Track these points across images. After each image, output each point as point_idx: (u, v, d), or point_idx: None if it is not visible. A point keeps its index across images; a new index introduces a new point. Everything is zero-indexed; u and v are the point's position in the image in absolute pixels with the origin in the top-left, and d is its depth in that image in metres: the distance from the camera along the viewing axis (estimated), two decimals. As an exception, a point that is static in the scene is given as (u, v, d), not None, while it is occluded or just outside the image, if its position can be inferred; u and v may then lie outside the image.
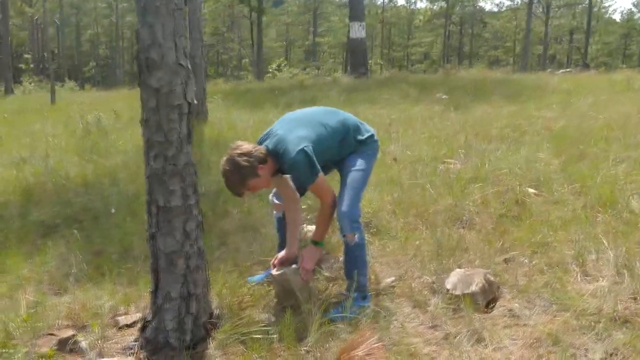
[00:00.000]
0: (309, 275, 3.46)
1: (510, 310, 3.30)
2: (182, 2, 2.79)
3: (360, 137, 3.45)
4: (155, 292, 2.98)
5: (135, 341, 3.05)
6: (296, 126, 3.29)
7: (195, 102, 2.91)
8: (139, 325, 3.14)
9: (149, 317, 3.00)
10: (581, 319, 3.10)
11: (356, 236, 3.28)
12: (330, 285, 3.68)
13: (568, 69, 28.58)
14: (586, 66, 29.85)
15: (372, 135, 3.52)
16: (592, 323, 3.04)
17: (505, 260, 3.89)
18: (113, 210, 5.08)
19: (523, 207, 4.80)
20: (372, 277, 3.74)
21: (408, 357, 2.87)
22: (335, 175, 3.62)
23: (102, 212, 5.25)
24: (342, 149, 3.42)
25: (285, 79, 25.56)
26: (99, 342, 3.07)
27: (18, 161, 7.41)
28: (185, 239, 2.91)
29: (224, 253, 4.40)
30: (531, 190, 5.24)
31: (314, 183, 3.23)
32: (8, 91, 27.85)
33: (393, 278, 3.75)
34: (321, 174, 3.24)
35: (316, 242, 3.45)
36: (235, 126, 9.84)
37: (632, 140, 6.99)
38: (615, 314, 3.07)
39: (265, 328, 3.02)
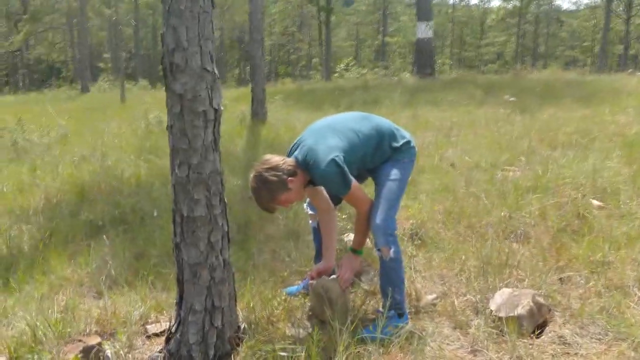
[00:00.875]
0: (347, 284, 3.32)
1: (561, 337, 3.02)
2: (209, 4, 2.68)
3: (395, 144, 3.24)
4: (179, 304, 2.89)
5: (160, 352, 2.97)
6: (326, 134, 3.12)
7: (222, 108, 2.80)
8: (165, 335, 3.06)
9: (173, 329, 2.91)
10: (639, 351, 2.81)
11: (391, 251, 3.09)
12: (368, 300, 3.50)
13: (650, 70, 27.04)
14: (670, 67, 28.15)
15: (408, 142, 3.30)
16: (652, 357, 2.74)
17: (560, 280, 3.59)
18: (156, 213, 5.06)
19: (584, 221, 4.45)
20: (413, 293, 3.53)
21: (442, 384, 2.66)
22: (370, 184, 3.43)
23: (149, 213, 5.25)
24: (376, 156, 3.23)
25: (352, 79, 25.38)
26: (124, 351, 3.00)
27: (78, 159, 7.56)
28: (210, 250, 2.80)
29: (263, 260, 4.28)
30: (595, 202, 4.87)
31: (347, 194, 3.08)
32: (84, 89, 28.94)
33: (435, 295, 3.53)
34: (355, 182, 3.07)
35: (355, 250, 3.33)
36: (294, 127, 9.75)
37: None
38: (679, 348, 2.76)
39: (291, 346, 2.87)
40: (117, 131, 9.91)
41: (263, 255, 4.46)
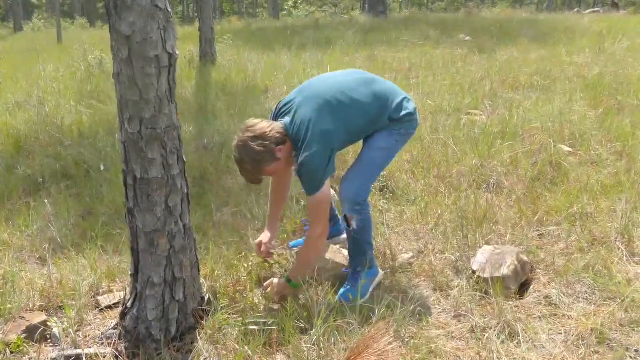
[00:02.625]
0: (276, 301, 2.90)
1: (547, 297, 2.86)
2: None
3: (395, 116, 2.85)
4: (134, 276, 2.56)
5: (115, 328, 2.65)
6: (323, 109, 2.71)
7: (178, 52, 2.41)
8: (120, 308, 2.74)
9: (129, 304, 2.59)
10: (630, 312, 2.66)
11: (354, 221, 2.82)
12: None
13: (596, 9, 27.21)
14: (615, 6, 28.38)
15: (410, 114, 2.89)
16: (644, 317, 2.60)
17: (540, 235, 3.42)
18: (103, 167, 4.63)
19: (558, 169, 4.29)
20: (388, 251, 3.30)
21: (428, 355, 2.45)
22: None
23: (95, 166, 4.81)
24: (370, 128, 2.87)
25: (301, 18, 24.64)
26: (74, 329, 2.67)
27: (12, 107, 6.94)
28: (168, 215, 2.46)
29: (224, 216, 3.97)
30: (566, 149, 4.72)
31: (313, 196, 2.71)
32: (17, 28, 27.11)
33: (411, 254, 3.31)
34: (325, 194, 2.72)
35: (290, 281, 2.87)
36: (246, 69, 9.26)
37: (677, 91, 6.38)
38: (672, 307, 2.63)
39: (261, 319, 2.60)
40: (54, 74, 9.17)
41: (224, 209, 4.14)
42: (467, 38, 12.35)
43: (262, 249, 3.12)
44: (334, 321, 2.52)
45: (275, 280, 2.93)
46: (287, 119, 2.78)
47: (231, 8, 51.72)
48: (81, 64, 9.68)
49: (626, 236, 3.27)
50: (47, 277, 3.06)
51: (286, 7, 32.59)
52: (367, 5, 21.07)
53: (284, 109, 2.85)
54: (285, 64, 9.71)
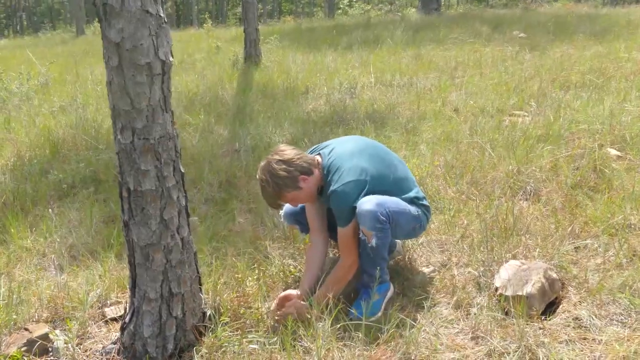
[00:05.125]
0: (280, 320, 2.68)
1: (576, 318, 2.61)
2: None
3: (417, 198, 2.92)
4: (133, 290, 2.48)
5: (115, 343, 2.59)
6: (362, 151, 2.84)
7: (172, 59, 2.31)
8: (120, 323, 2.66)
9: (127, 319, 2.51)
10: (670, 338, 2.40)
11: (373, 240, 2.65)
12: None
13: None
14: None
15: (428, 206, 3.01)
16: (685, 345, 2.33)
17: (575, 249, 3.16)
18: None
19: (602, 175, 3.99)
20: (408, 264, 3.12)
21: (438, 382, 2.27)
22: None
23: (124, 171, 4.79)
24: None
25: (356, 16, 24.40)
26: (74, 342, 2.61)
27: (57, 110, 7.07)
28: (163, 229, 2.37)
29: (244, 224, 3.86)
30: (613, 152, 4.40)
31: (345, 228, 2.70)
32: (79, 32, 27.92)
33: (432, 268, 3.11)
34: (356, 225, 2.70)
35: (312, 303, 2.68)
36: (288, 70, 9.18)
37: None
38: None
39: (261, 339, 2.48)
40: (100, 78, 9.33)
41: (247, 214, 4.04)
42: (522, 35, 11.88)
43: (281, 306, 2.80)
44: (336, 343, 2.37)
45: (291, 301, 2.77)
46: (326, 150, 2.88)
47: (290, 8, 51.91)
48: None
49: (671, 251, 2.98)
50: (57, 287, 3.03)
51: (342, 6, 32.39)
52: (420, 3, 20.64)
53: (322, 145, 2.98)
54: (330, 64, 9.58)
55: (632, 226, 3.31)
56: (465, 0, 44.37)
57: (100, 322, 2.84)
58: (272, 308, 2.77)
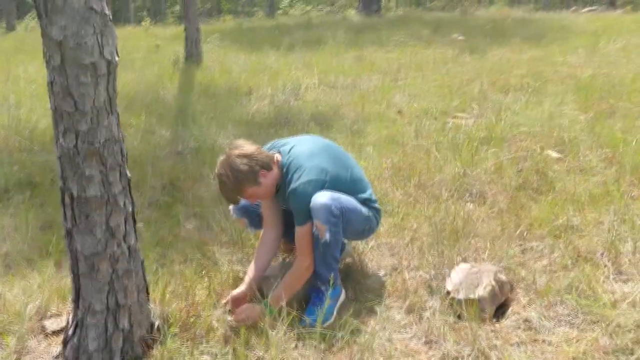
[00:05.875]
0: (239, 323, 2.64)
1: (526, 320, 2.64)
2: None
3: (370, 201, 2.93)
4: (76, 302, 2.36)
5: (57, 357, 2.45)
6: (322, 150, 2.86)
7: (117, 58, 2.20)
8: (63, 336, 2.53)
9: (70, 332, 2.38)
10: (615, 338, 2.45)
11: (327, 234, 2.62)
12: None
13: (593, 7, 26.99)
14: (612, 4, 28.19)
15: (379, 210, 3.02)
16: (630, 344, 2.38)
17: (522, 251, 3.21)
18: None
19: (544, 177, 4.09)
20: (359, 268, 3.10)
21: (394, 388, 2.25)
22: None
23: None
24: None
25: (296, 16, 24.35)
26: (14, 357, 2.47)
27: (-13, 111, 6.72)
28: (109, 237, 2.26)
29: (190, 229, 3.76)
30: (554, 154, 4.52)
31: (303, 226, 2.67)
32: (9, 28, 26.71)
33: (383, 272, 3.10)
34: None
35: (269, 308, 2.65)
36: (230, 70, 9.05)
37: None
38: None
39: (212, 349, 2.40)
40: (35, 76, 8.95)
41: (192, 220, 3.94)
42: (461, 37, 12.13)
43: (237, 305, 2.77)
44: (292, 350, 2.32)
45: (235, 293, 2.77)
46: (285, 148, 2.84)
47: (229, 7, 51.38)
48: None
49: (613, 251, 3.06)
50: (-9, 298, 2.86)
51: (282, 6, 32.26)
52: (361, 4, 20.79)
53: (281, 142, 2.94)
54: (272, 64, 9.50)
55: (575, 227, 3.39)
56: (404, 2, 45.10)
57: (40, 335, 2.69)
58: (226, 308, 2.73)
